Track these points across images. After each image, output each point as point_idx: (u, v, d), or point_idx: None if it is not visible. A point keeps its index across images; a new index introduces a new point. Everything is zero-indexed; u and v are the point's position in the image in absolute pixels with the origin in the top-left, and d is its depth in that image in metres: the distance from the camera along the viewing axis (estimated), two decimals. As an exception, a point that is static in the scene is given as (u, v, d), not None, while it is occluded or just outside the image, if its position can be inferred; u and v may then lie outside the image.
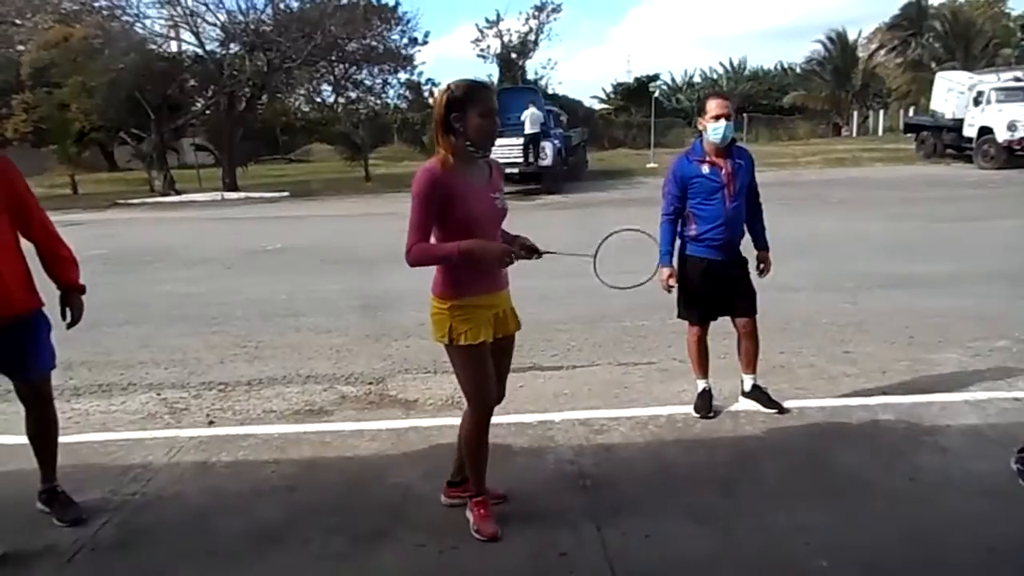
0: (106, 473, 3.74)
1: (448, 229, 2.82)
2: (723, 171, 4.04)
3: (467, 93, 2.74)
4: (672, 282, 4.14)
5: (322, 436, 4.19)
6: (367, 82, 28.01)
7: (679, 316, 4.37)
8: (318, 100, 29.88)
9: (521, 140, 18.45)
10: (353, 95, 28.34)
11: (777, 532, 3.03)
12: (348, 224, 15.59)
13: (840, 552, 2.87)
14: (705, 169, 4.04)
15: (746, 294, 4.21)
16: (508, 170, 18.63)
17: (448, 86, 2.78)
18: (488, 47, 37.06)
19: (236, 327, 6.75)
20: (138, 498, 3.49)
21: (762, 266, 4.32)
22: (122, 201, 21.96)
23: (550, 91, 36.18)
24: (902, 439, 3.91)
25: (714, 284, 4.15)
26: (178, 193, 23.31)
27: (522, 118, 18.50)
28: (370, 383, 5.15)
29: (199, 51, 24.72)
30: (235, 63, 24.29)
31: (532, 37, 36.52)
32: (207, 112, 26.52)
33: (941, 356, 5.19)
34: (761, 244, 4.33)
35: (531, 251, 2.89)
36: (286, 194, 22.90)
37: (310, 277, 9.25)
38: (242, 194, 23.17)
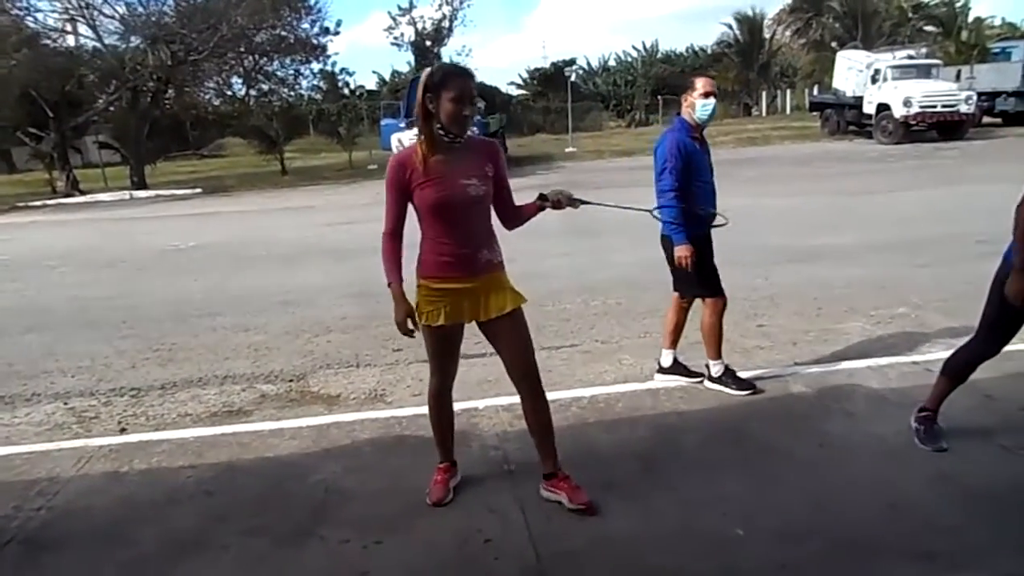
0: (10, 489, 3.56)
1: (420, 214, 2.91)
2: (706, 148, 4.16)
3: (443, 77, 2.77)
4: (693, 259, 4.02)
5: (240, 437, 4.08)
6: (279, 73, 27.34)
7: (690, 294, 4.31)
8: (228, 93, 28.96)
9: (439, 128, 18.30)
10: (265, 87, 27.61)
11: (696, 504, 3.12)
12: (264, 219, 15.21)
13: (755, 520, 2.97)
14: (697, 146, 4.11)
15: None
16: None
17: (429, 70, 2.82)
18: (402, 35, 36.68)
19: (148, 330, 6.51)
20: (44, 513, 3.33)
21: None
22: (22, 204, 20.84)
23: (466, 78, 35.97)
24: (812, 407, 4.07)
25: (706, 259, 4.15)
26: (83, 193, 22.28)
27: (439, 106, 18.36)
28: (290, 380, 5.05)
29: (98, 45, 23.64)
30: (137, 57, 23.30)
31: (446, 24, 36.26)
32: (110, 108, 25.39)
33: (847, 325, 5.42)
34: None
35: (570, 200, 3.09)
36: (198, 191, 22.17)
37: (225, 275, 8.99)
38: (151, 192, 22.32)
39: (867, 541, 2.81)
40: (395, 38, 36.82)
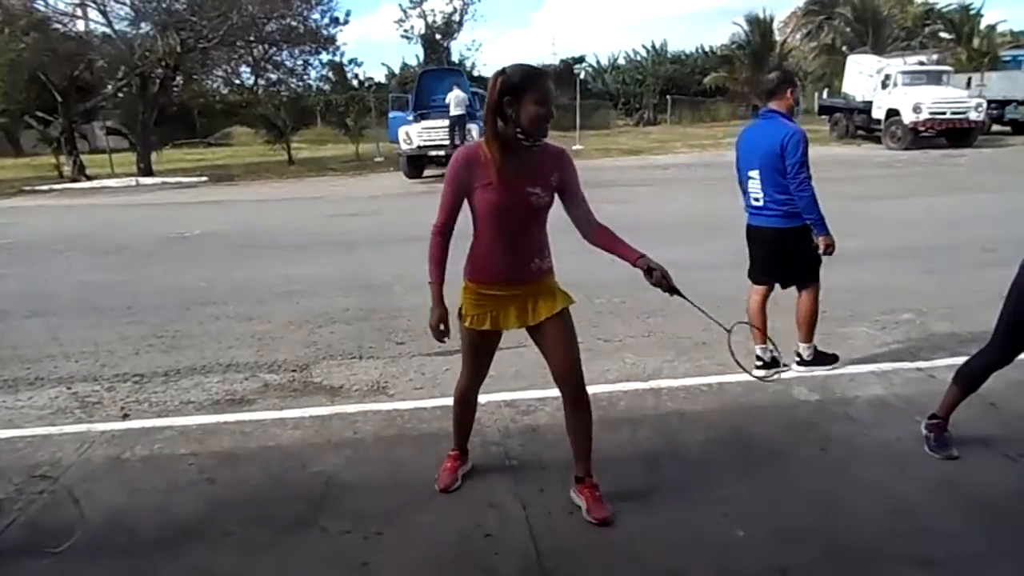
0: (12, 472, 3.57)
1: (476, 215, 2.82)
2: None
3: (524, 79, 2.66)
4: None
5: (243, 426, 4.09)
6: (288, 63, 27.22)
7: (802, 280, 4.44)
8: (237, 82, 28.90)
9: (446, 122, 18.28)
10: (273, 77, 27.54)
11: (697, 505, 3.12)
12: (270, 209, 15.22)
13: (756, 522, 2.98)
14: None
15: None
16: (434, 152, 18.38)
17: (503, 70, 2.69)
18: (412, 28, 36.63)
19: (152, 317, 6.52)
20: (45, 496, 3.35)
21: None
22: (28, 188, 20.86)
23: (475, 73, 35.96)
24: (814, 411, 4.07)
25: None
26: (89, 179, 22.27)
27: (447, 100, 18.33)
28: (294, 370, 5.05)
29: (108, 30, 23.59)
30: (146, 43, 23.27)
31: (456, 18, 36.26)
32: (119, 95, 25.37)
33: (851, 329, 5.41)
34: None
35: (668, 286, 2.86)
36: (204, 179, 22.17)
37: (230, 264, 9.00)
38: (158, 179, 22.31)
39: (867, 546, 2.80)
40: (405, 31, 36.84)
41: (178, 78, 26.26)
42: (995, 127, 24.53)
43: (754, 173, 4.34)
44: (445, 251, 2.86)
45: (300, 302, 6.87)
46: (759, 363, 4.53)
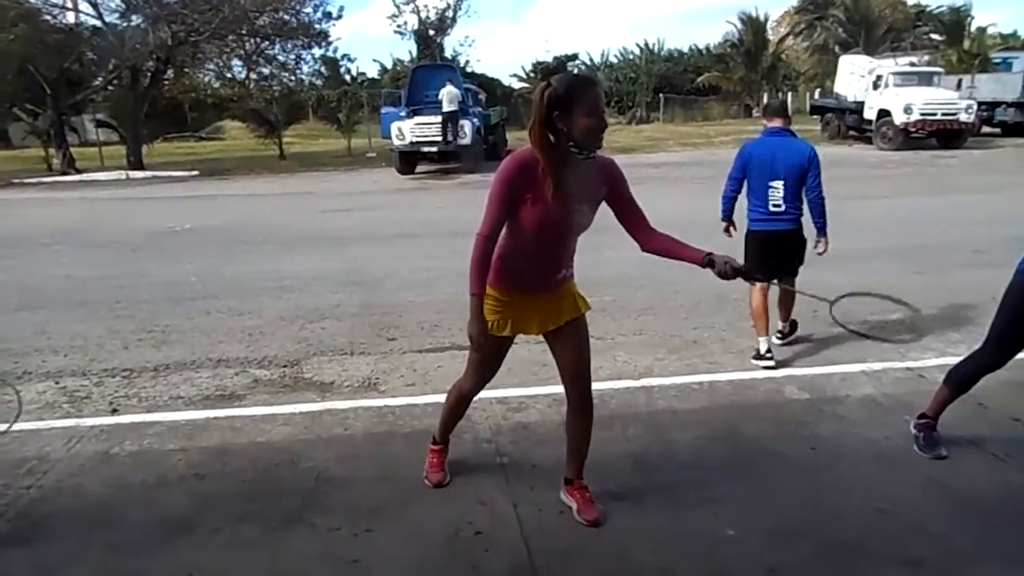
0: (-1, 467, 3.55)
1: (513, 223, 2.69)
2: None
3: (571, 90, 2.54)
4: None
5: (233, 422, 4.08)
6: (280, 57, 27.07)
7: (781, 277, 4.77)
8: (228, 76, 28.76)
9: (439, 118, 18.25)
10: (266, 71, 27.38)
11: (687, 504, 3.13)
12: (261, 203, 15.15)
13: (746, 521, 2.99)
14: None
15: None
16: (426, 148, 18.40)
17: (549, 82, 2.57)
18: (405, 23, 36.49)
19: (142, 311, 6.48)
20: (34, 491, 3.33)
21: None
22: (17, 180, 20.70)
23: (468, 69, 35.90)
24: (804, 410, 4.09)
25: None
26: (79, 172, 22.15)
27: (440, 96, 18.29)
28: (284, 366, 5.03)
29: (98, 23, 23.45)
30: (137, 36, 23.12)
31: (450, 14, 36.12)
32: (109, 87, 25.22)
33: (841, 329, 5.41)
34: None
35: (736, 271, 2.66)
36: (195, 173, 22.06)
37: (221, 258, 8.96)
38: (148, 173, 22.19)
39: (855, 545, 2.82)
40: (398, 26, 36.68)
41: (169, 71, 26.15)
42: (985, 129, 24.65)
43: (777, 183, 4.68)
44: (490, 259, 2.71)
45: (291, 297, 6.85)
46: (762, 355, 4.75)
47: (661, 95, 39.44)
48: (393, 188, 16.97)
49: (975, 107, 21.21)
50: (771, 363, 4.68)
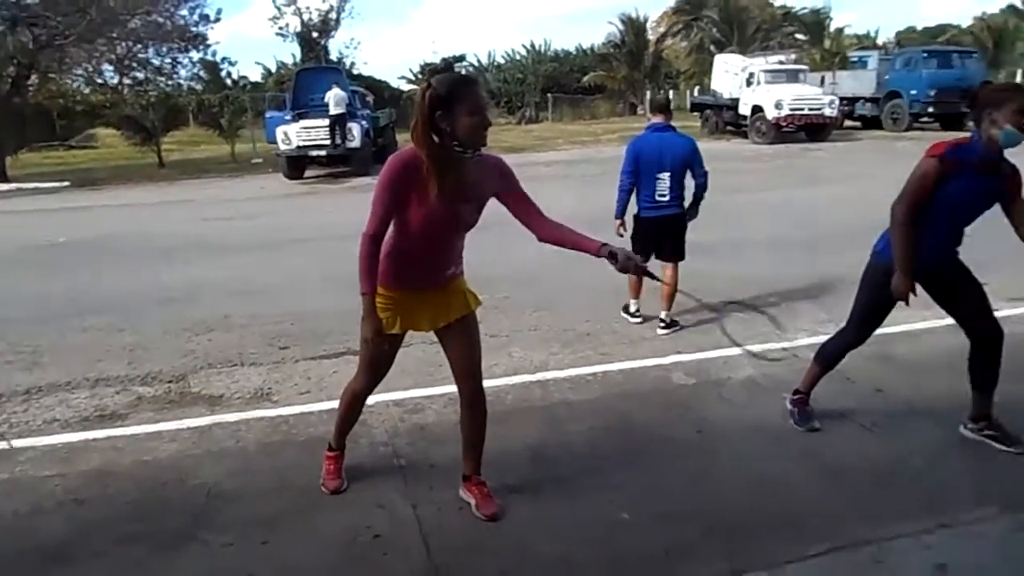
0: None
1: (399, 222, 2.70)
2: None
3: (453, 90, 2.54)
4: None
5: (114, 442, 3.88)
6: (155, 61, 25.83)
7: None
8: (100, 81, 27.21)
9: (326, 121, 17.87)
10: (140, 76, 26.11)
11: (583, 493, 3.22)
12: (140, 213, 14.41)
13: (640, 505, 3.11)
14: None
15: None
16: (314, 153, 17.90)
17: (430, 83, 2.56)
18: (288, 25, 35.61)
19: (10, 331, 6.05)
20: None
21: None
22: None
23: (355, 71, 35.35)
24: (691, 394, 4.28)
25: None
26: (-68, 186, 20.47)
27: (326, 99, 17.93)
28: (170, 381, 4.83)
29: (-51, 26, 21.73)
30: (-5, 39, 21.59)
31: (333, 15, 35.50)
32: (-35, 94, 23.40)
33: (724, 315, 5.69)
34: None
35: (638, 268, 2.79)
36: (66, 183, 20.71)
37: (97, 272, 8.46)
38: (13, 185, 20.69)
39: (741, 518, 2.98)
40: (280, 28, 35.76)
41: (33, 77, 24.47)
42: (847, 122, 26.31)
43: (664, 175, 5.22)
44: (378, 259, 2.72)
45: (175, 310, 6.56)
46: (632, 313, 5.62)
47: (549, 95, 40.04)
48: (281, 194, 16.52)
49: (837, 102, 22.60)
50: (639, 320, 5.56)
